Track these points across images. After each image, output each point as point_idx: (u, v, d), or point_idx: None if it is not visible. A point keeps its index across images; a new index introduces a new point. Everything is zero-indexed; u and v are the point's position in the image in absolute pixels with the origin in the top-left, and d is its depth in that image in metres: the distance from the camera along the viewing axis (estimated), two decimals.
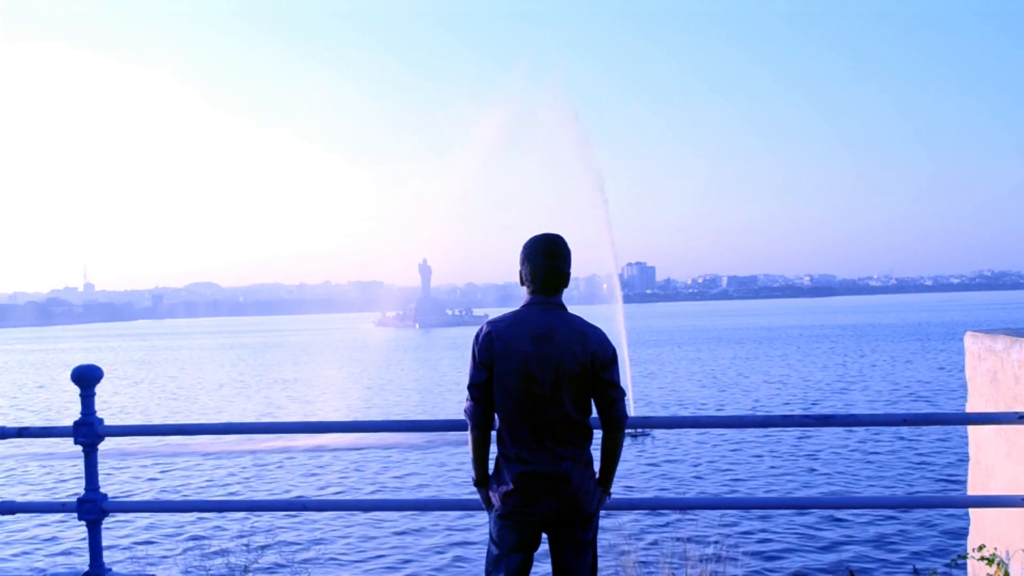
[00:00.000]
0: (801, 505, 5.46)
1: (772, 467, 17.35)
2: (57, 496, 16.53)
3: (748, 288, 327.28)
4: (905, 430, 19.74)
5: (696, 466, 17.78)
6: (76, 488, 16.61)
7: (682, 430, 20.90)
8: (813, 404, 26.99)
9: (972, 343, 4.63)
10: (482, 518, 11.37)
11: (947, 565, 4.39)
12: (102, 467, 3.87)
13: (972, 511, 4.70)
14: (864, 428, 20.00)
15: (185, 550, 12.11)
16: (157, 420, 28.46)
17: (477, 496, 3.32)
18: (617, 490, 3.38)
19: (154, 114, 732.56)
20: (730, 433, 20.39)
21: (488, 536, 3.23)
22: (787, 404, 27.19)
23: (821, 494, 14.67)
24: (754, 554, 11.15)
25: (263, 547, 11.79)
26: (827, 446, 19.09)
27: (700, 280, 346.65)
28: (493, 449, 3.24)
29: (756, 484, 15.98)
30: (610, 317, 31.01)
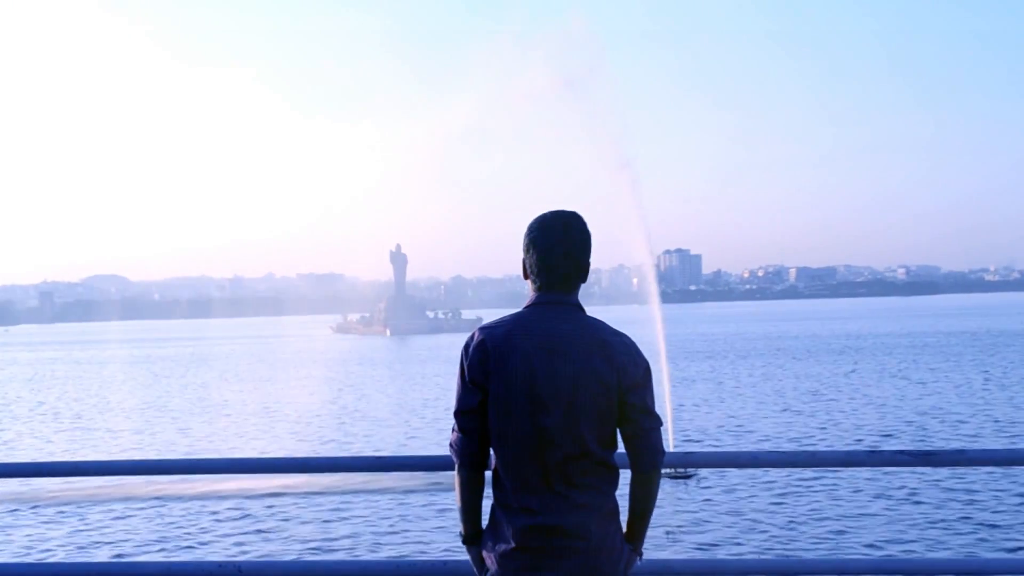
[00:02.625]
0: (893, 571, 5.47)
1: (856, 520, 17.36)
2: None
3: (824, 283, 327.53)
4: None
5: (754, 518, 17.80)
6: None
7: (736, 470, 20.90)
8: (913, 438, 26.99)
9: None
10: None
11: None
12: None
13: None
14: (978, 469, 20.00)
15: None
16: (42, 457, 28.51)
17: (467, 557, 3.33)
18: (650, 549, 3.39)
19: (36, 67, 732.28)
20: (800, 474, 20.39)
21: None
22: (878, 438, 27.19)
23: (919, 556, 14.68)
24: None
25: None
26: (929, 492, 19.09)
27: (760, 272, 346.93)
28: (488, 496, 3.24)
29: (834, 542, 15.99)
30: (642, 321, 31.01)
